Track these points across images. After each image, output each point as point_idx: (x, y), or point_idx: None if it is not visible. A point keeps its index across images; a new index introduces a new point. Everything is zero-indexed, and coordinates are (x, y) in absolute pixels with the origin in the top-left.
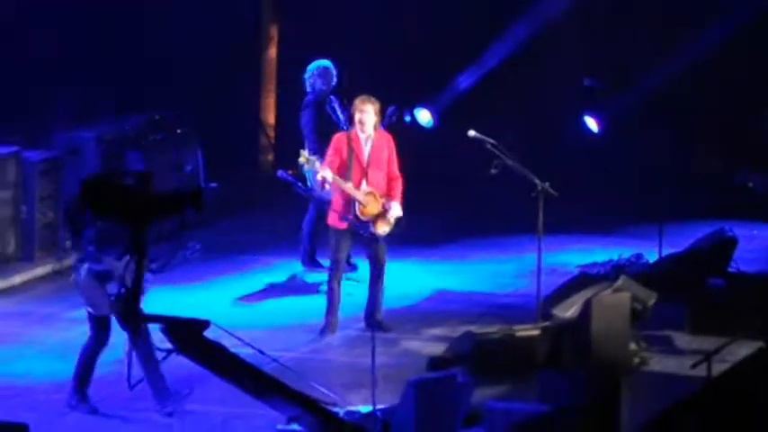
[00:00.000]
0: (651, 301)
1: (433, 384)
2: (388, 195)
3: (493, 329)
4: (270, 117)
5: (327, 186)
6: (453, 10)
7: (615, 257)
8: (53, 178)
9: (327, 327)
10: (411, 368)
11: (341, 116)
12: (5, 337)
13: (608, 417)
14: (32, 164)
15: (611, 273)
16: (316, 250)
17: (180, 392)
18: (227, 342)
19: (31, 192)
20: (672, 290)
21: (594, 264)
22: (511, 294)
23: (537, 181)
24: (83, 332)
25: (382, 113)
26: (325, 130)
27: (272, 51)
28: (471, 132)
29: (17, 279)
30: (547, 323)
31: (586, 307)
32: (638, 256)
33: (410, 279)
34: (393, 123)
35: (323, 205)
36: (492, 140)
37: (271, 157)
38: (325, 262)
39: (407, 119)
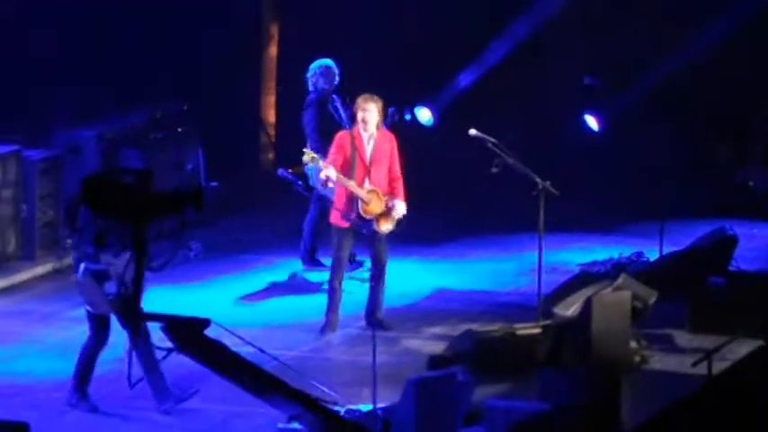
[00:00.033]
0: (652, 300)
1: (434, 383)
2: (392, 194)
3: (493, 328)
4: (270, 116)
5: (331, 184)
6: (453, 8)
7: (616, 256)
8: (53, 177)
9: (328, 325)
10: (411, 367)
11: (343, 115)
12: (6, 336)
13: (608, 415)
14: (33, 163)
15: (611, 271)
16: (316, 249)
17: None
18: (228, 341)
19: (32, 190)
20: (672, 288)
21: (595, 262)
22: (511, 293)
23: (538, 180)
24: (83, 331)
25: (384, 113)
26: (328, 129)
27: (273, 50)
28: (472, 131)
29: (18, 278)
30: (547, 322)
31: (587, 305)
32: (639, 255)
33: (411, 278)
34: (395, 123)
35: (325, 204)
36: (493, 139)
37: (271, 155)
38: (326, 261)
39: (408, 117)
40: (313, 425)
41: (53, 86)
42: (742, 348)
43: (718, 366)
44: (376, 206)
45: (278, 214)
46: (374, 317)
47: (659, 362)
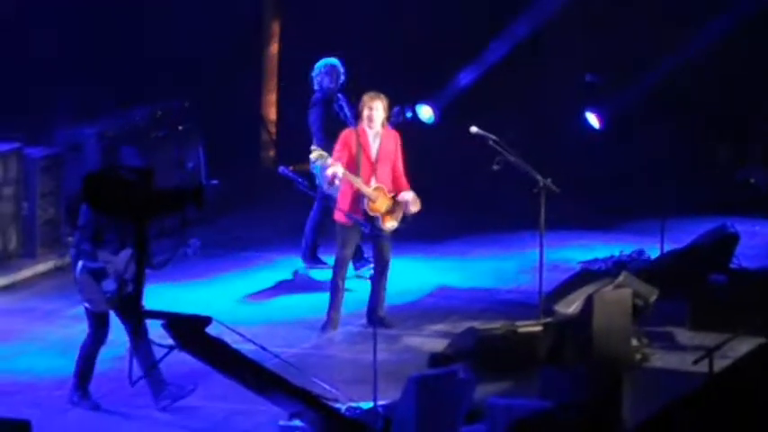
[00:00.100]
0: (653, 298)
1: (435, 381)
2: (398, 191)
3: (495, 326)
4: (271, 113)
5: (337, 182)
6: (453, 8)
7: (617, 253)
8: (54, 175)
9: (329, 323)
10: (412, 364)
11: (348, 114)
12: (7, 334)
13: (609, 413)
14: (34, 160)
15: (612, 269)
16: (318, 247)
17: (184, 388)
18: (229, 338)
19: (33, 188)
20: (673, 286)
21: (596, 260)
22: (513, 290)
23: (539, 177)
24: (84, 329)
25: (389, 110)
26: (333, 128)
27: (274, 48)
28: (473, 129)
29: (19, 275)
30: (549, 319)
31: (588, 303)
32: (640, 253)
33: (412, 275)
34: (399, 123)
35: (328, 202)
36: (494, 137)
37: (272, 153)
38: (327, 258)
39: (409, 115)
40: (314, 422)
41: (53, 86)
42: (743, 346)
43: (720, 364)
44: (382, 204)
45: (279, 212)
46: (375, 314)
47: (660, 359)
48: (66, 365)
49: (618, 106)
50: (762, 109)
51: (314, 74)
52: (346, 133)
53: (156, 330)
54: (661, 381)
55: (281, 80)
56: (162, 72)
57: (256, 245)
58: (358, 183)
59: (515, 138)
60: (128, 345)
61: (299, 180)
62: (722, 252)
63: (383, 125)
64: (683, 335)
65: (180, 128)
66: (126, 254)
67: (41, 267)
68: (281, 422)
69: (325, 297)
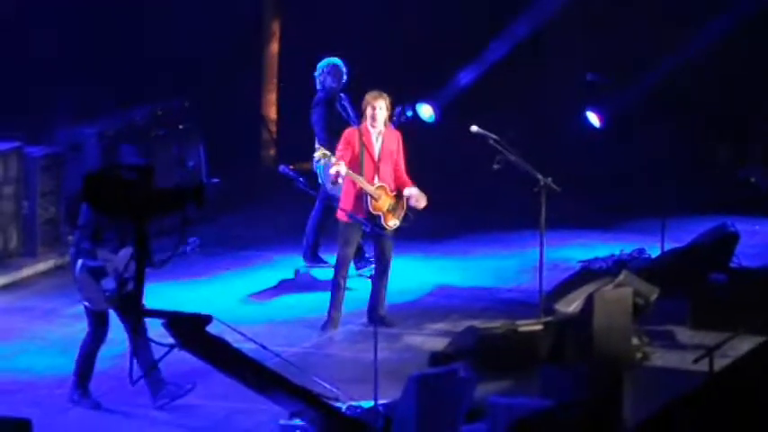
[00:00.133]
0: (653, 296)
1: (435, 379)
2: (401, 188)
3: (495, 324)
4: (272, 112)
5: (341, 180)
6: (453, 7)
7: (617, 252)
8: (55, 174)
9: (330, 322)
10: (413, 363)
11: (351, 114)
12: (8, 333)
13: (610, 412)
14: (34, 159)
15: (613, 268)
16: (319, 245)
17: (182, 387)
18: (230, 337)
19: (33, 187)
20: (674, 285)
21: (596, 259)
22: (513, 289)
23: (539, 176)
24: (85, 327)
25: (391, 110)
26: (336, 127)
27: (274, 47)
28: (474, 128)
29: (19, 275)
30: (549, 318)
31: (588, 302)
32: (641, 251)
33: (412, 274)
34: (403, 123)
35: (331, 201)
36: (494, 136)
37: (272, 152)
38: (328, 257)
39: (409, 114)
40: (314, 421)
41: (53, 86)
42: (743, 345)
43: (720, 363)
44: (384, 202)
45: (279, 211)
46: (376, 313)
47: (661, 358)
48: (67, 364)
49: (618, 105)
50: (762, 109)
51: (317, 74)
52: (349, 132)
53: (156, 329)
54: (661, 379)
55: (281, 79)
56: (162, 72)
57: (256, 243)
58: (361, 181)
59: (516, 137)
60: (127, 343)
61: (300, 179)
62: (722, 251)
63: (386, 124)
64: (684, 334)
65: (180, 127)
66: (125, 252)
67: (42, 266)
68: (282, 421)
69: (325, 296)
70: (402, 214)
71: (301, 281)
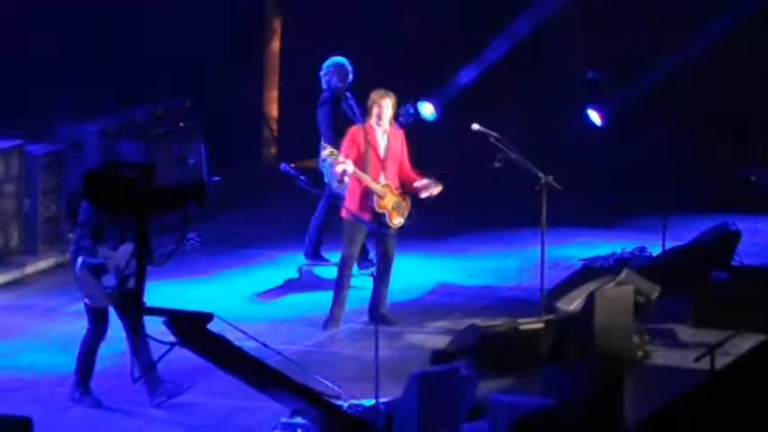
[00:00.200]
0: (654, 295)
1: (437, 378)
2: (409, 182)
3: (497, 323)
4: (273, 110)
5: (347, 179)
6: (453, 7)
7: (618, 251)
8: (56, 172)
9: (331, 320)
10: (415, 361)
11: (357, 113)
12: (9, 331)
13: (611, 410)
14: (35, 157)
15: (614, 266)
16: (322, 244)
17: (180, 385)
18: (231, 335)
19: (34, 185)
20: (675, 283)
21: (598, 257)
22: (514, 288)
23: (540, 174)
24: (86, 325)
25: (396, 109)
26: (342, 127)
27: (275, 45)
28: (475, 126)
29: (20, 272)
30: (550, 316)
31: (590, 300)
32: (642, 250)
33: (414, 272)
34: (409, 123)
35: (337, 200)
36: (495, 134)
37: (274, 150)
38: (329, 256)
39: (410, 112)
40: (316, 419)
41: (53, 87)
42: (745, 343)
43: (721, 361)
44: (389, 200)
45: (280, 209)
46: (377, 311)
47: (662, 357)
48: (68, 362)
49: (619, 104)
50: (762, 109)
51: (322, 73)
52: (354, 130)
53: (157, 327)
54: (663, 378)
55: (282, 77)
56: (162, 72)
57: (258, 242)
58: (367, 179)
59: (517, 135)
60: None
61: (301, 177)
62: (724, 249)
63: (390, 123)
64: (685, 332)
65: (181, 125)
66: (125, 249)
67: (43, 264)
68: (283, 419)
69: (328, 295)
70: (407, 213)
71: (304, 279)
